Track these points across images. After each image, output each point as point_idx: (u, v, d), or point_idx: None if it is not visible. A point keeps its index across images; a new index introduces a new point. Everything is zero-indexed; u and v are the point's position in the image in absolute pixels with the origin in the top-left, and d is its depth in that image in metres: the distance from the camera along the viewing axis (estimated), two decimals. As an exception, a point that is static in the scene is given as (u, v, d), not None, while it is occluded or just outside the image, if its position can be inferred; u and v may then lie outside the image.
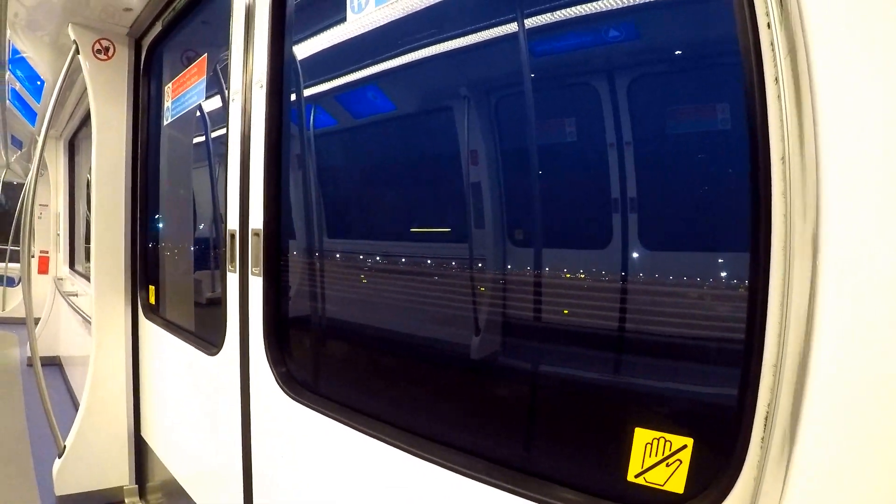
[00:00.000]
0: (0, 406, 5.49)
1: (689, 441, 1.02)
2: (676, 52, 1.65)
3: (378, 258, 2.47)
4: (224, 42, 2.80)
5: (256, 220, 2.11)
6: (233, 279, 2.26)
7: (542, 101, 1.89)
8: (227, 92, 2.38)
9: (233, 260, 2.25)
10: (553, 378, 1.73)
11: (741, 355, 0.87)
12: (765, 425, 0.81)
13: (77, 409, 5.15)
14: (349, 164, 2.88)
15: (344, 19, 2.32)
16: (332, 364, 2.36)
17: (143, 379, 3.62)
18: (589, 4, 1.66)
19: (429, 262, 2.26)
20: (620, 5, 1.64)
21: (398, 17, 1.76)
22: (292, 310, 2.24)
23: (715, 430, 1.03)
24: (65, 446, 3.53)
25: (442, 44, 2.11)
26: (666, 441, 1.04)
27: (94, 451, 3.57)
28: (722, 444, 0.91)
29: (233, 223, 2.26)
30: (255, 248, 2.10)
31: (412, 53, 2.23)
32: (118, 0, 3.33)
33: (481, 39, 1.97)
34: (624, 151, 1.73)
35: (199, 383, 2.70)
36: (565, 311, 1.73)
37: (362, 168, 2.79)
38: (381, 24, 1.85)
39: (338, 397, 1.85)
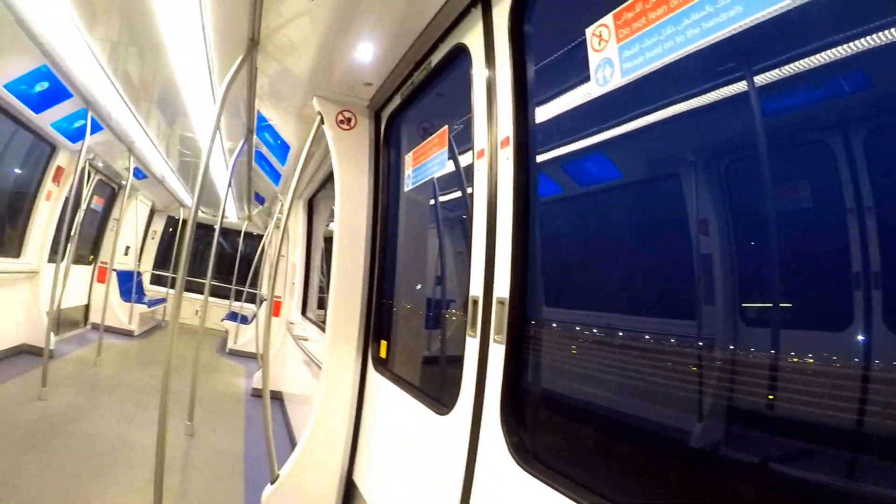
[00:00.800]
0: (225, 429, 6.02)
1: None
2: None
3: (596, 331, 2.43)
4: (459, 113, 2.97)
5: (501, 288, 2.13)
6: (472, 344, 2.29)
7: (773, 162, 1.77)
8: (472, 159, 2.48)
9: (473, 325, 2.28)
10: (786, 479, 1.59)
11: None
12: None
13: (292, 442, 5.50)
14: (575, 232, 2.88)
15: (568, 88, 2.38)
16: (564, 439, 2.33)
17: (363, 426, 3.77)
18: (816, 56, 1.57)
19: (646, 336, 2.20)
20: (850, 53, 1.54)
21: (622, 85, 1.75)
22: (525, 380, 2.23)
23: None
24: (278, 474, 3.74)
25: (668, 108, 2.08)
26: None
27: (305, 484, 3.74)
28: None
29: (476, 289, 2.30)
30: (499, 316, 2.12)
31: (638, 120, 2.23)
32: (359, 76, 3.66)
33: (707, 102, 1.92)
34: (865, 217, 1.58)
35: (424, 440, 2.76)
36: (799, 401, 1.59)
37: (588, 237, 2.79)
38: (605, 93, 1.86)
39: (570, 473, 1.80)
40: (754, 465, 1.67)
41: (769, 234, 1.82)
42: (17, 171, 7.58)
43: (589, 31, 1.86)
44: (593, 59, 1.82)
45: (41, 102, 6.15)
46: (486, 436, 2.15)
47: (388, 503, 3.20)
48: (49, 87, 5.86)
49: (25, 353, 7.63)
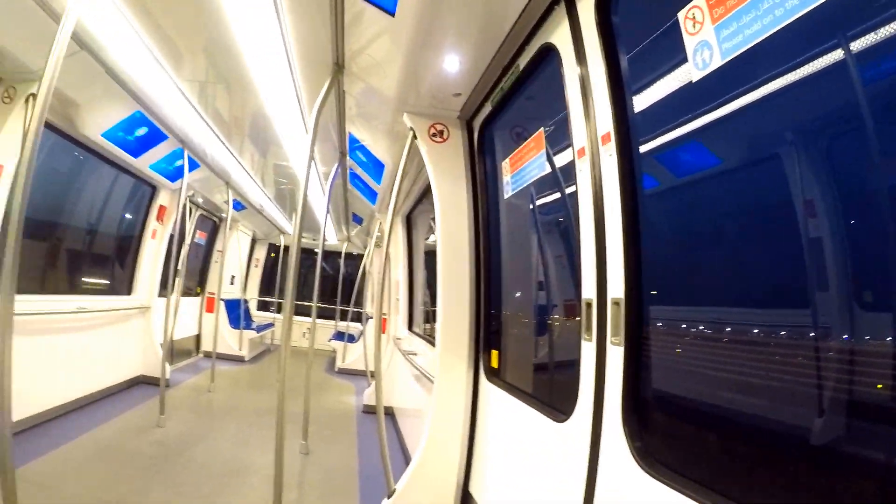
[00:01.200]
0: (338, 446, 6.15)
1: None
2: None
3: (703, 327, 2.32)
4: (552, 114, 2.93)
5: (615, 289, 2.09)
6: (588, 348, 2.25)
7: (882, 133, 1.63)
8: (572, 158, 2.43)
9: (588, 329, 2.24)
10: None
11: None
12: None
13: (405, 457, 5.55)
14: (676, 225, 2.77)
15: (660, 76, 2.30)
16: (687, 441, 2.24)
17: (477, 436, 3.76)
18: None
19: (755, 331, 2.07)
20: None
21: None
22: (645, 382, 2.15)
23: None
24: (395, 489, 3.77)
25: (761, 87, 1.97)
26: None
27: (421, 497, 3.76)
28: None
29: (588, 292, 2.26)
30: (615, 318, 2.07)
31: (733, 102, 2.12)
32: (448, 87, 3.69)
33: (804, 74, 1.80)
34: None
35: (542, 448, 2.71)
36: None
37: (689, 229, 2.67)
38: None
39: (694, 476, 1.74)
40: (882, 463, 1.55)
41: (882, 211, 1.68)
42: (125, 214, 8.12)
43: (681, 15, 1.80)
44: (689, 42, 1.77)
45: (138, 147, 6.54)
46: (608, 441, 2.10)
47: None
48: (144, 132, 6.26)
49: (142, 383, 8.12)
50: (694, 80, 1.83)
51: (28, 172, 2.39)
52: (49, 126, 5.20)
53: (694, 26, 1.73)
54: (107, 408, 6.61)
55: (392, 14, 2.96)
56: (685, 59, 1.83)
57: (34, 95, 4.30)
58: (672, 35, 1.86)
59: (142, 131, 6.25)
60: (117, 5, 3.46)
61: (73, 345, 6.40)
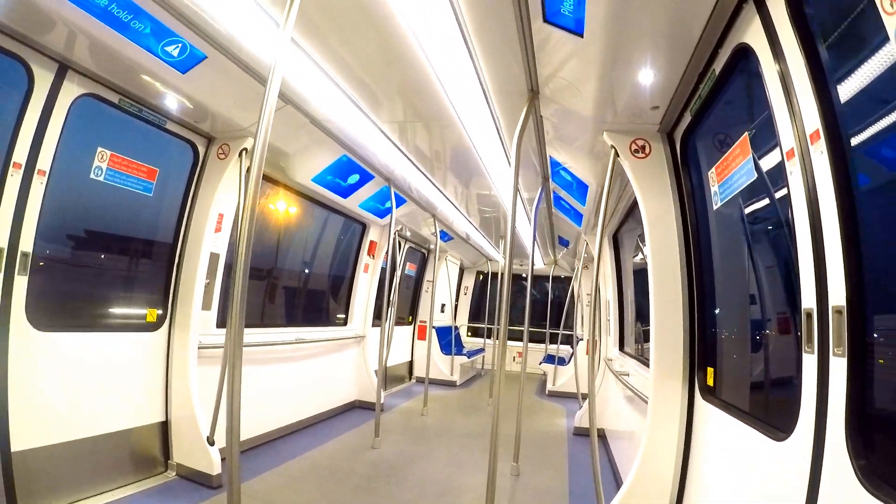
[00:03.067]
0: (549, 468, 6.20)
1: None
2: None
3: None
4: (754, 118, 2.83)
5: (837, 296, 1.96)
6: (809, 361, 2.12)
7: None
8: (782, 160, 2.34)
9: (809, 340, 2.12)
10: None
11: None
12: None
13: (616, 479, 5.52)
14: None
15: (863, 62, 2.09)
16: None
17: (692, 458, 3.64)
18: None
19: None
20: None
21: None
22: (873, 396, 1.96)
23: None
24: None
25: None
26: None
27: None
28: None
29: (808, 301, 2.14)
30: (837, 327, 1.94)
31: None
32: (644, 101, 3.69)
33: None
34: None
35: (760, 468, 2.59)
36: None
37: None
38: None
39: None
40: None
41: None
42: (339, 255, 9.08)
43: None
44: (889, 23, 1.64)
45: (347, 188, 7.21)
46: (830, 460, 1.96)
47: None
48: (352, 174, 6.88)
49: (358, 407, 8.88)
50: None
51: (252, 219, 2.70)
52: (264, 176, 5.89)
53: (892, 5, 1.62)
54: (325, 430, 7.30)
55: (581, 35, 3.04)
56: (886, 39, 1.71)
57: (246, 150, 5.02)
58: (870, 15, 1.74)
59: (353, 178, 6.93)
60: (315, 60, 3.86)
61: (295, 372, 7.21)
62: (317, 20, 3.37)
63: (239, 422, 2.69)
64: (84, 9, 3.22)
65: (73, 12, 3.22)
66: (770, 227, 2.98)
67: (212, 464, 4.70)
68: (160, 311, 4.98)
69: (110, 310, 4.70)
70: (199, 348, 5.05)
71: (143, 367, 4.76)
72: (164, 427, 4.93)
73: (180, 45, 3.72)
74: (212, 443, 4.79)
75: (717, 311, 3.73)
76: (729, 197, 3.18)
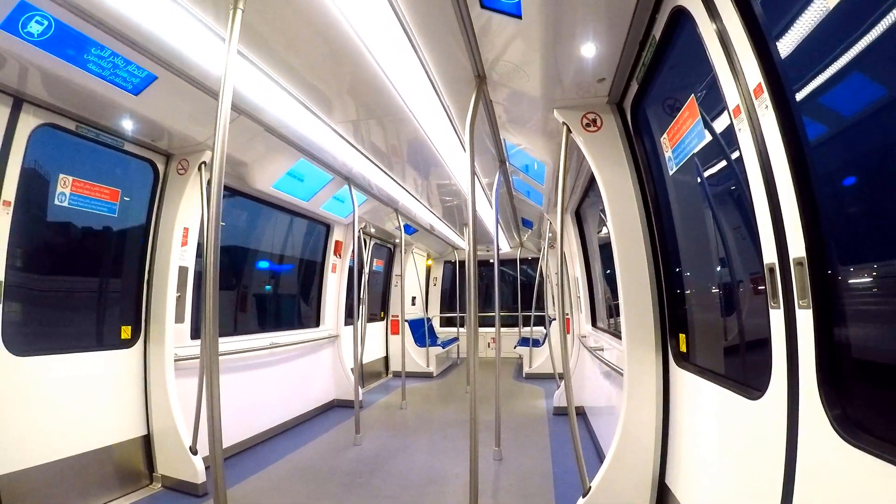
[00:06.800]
0: (531, 450, 6.23)
1: None
2: None
3: None
4: (700, 79, 2.83)
5: (796, 248, 1.98)
6: (776, 315, 2.14)
7: None
8: (729, 119, 2.36)
9: (774, 295, 2.13)
10: None
11: None
12: None
13: (598, 455, 5.58)
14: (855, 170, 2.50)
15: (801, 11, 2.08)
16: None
17: (671, 427, 3.69)
18: None
19: None
20: None
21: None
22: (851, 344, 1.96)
23: None
24: (590, 487, 3.80)
25: None
26: None
27: (617, 493, 3.76)
28: None
29: (769, 255, 2.16)
30: (800, 279, 1.96)
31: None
32: (590, 74, 3.71)
33: None
34: None
35: (738, 429, 2.62)
36: None
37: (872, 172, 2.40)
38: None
39: None
40: None
41: None
42: (307, 257, 9.07)
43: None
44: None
45: (308, 191, 7.27)
46: (805, 412, 1.98)
47: (704, 501, 3.09)
48: (311, 177, 6.91)
49: (337, 406, 8.93)
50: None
51: (217, 230, 2.72)
52: (225, 187, 5.85)
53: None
54: (306, 431, 7.33)
55: (519, 17, 3.05)
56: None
57: (205, 163, 5.06)
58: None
59: (312, 180, 6.96)
60: (264, 70, 3.90)
61: (272, 376, 7.23)
62: (261, 31, 3.38)
63: (220, 430, 2.72)
64: (33, 43, 3.28)
65: (22, 47, 3.30)
66: (728, 187, 3.00)
67: (196, 473, 4.76)
68: (134, 328, 5.03)
69: (85, 330, 4.78)
70: (175, 360, 5.08)
71: (121, 383, 4.83)
72: (147, 440, 5.00)
73: (130, 68, 3.76)
74: (195, 452, 4.84)
75: (684, 277, 3.76)
76: (684, 161, 3.21)
